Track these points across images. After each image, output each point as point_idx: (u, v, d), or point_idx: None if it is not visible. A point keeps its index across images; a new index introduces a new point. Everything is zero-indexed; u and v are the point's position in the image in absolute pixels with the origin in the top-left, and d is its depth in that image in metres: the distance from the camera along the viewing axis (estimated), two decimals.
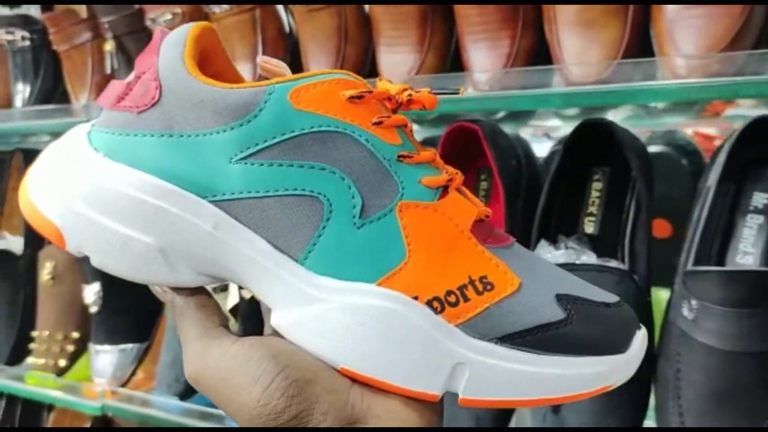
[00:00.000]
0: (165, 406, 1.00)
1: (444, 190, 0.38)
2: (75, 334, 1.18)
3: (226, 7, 0.96)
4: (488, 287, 0.37)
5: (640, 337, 0.39)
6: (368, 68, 0.93)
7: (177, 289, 0.40)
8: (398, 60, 0.87)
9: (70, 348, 1.18)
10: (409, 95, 0.40)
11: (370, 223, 0.37)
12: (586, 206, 0.78)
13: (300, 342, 0.37)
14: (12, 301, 1.25)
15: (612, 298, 0.40)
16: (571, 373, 0.37)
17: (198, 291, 0.40)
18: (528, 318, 0.37)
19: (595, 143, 0.76)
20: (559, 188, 0.76)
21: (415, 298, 0.36)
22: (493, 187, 0.84)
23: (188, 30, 0.40)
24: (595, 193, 0.78)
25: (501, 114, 1.04)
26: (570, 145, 0.73)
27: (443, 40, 0.87)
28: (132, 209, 0.38)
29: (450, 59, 0.88)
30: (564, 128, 1.08)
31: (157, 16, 1.03)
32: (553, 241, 0.73)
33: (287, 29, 1.01)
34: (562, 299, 0.38)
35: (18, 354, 1.25)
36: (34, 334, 1.21)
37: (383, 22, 0.87)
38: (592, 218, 0.77)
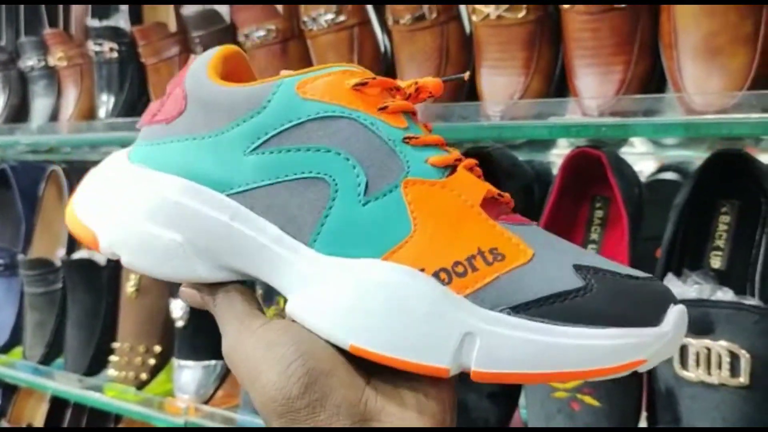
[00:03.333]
0: (250, 425, 0.99)
1: (452, 169, 0.39)
2: (157, 348, 1.18)
3: (323, 24, 0.95)
4: (498, 257, 0.36)
5: (676, 312, 0.36)
6: (467, 90, 0.91)
7: (212, 287, 0.42)
8: (502, 83, 0.85)
9: (152, 361, 1.18)
10: (416, 84, 0.41)
11: (375, 199, 0.38)
12: (713, 240, 0.76)
13: (311, 325, 0.38)
14: (93, 312, 1.25)
15: (641, 273, 0.37)
16: (590, 344, 0.34)
17: (234, 282, 0.42)
18: (541, 286, 0.35)
19: (724, 174, 0.73)
20: (683, 220, 0.74)
21: (422, 270, 0.36)
22: (610, 215, 0.82)
23: (217, 49, 0.44)
24: (722, 227, 0.75)
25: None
26: (701, 176, 0.71)
27: (549, 63, 0.85)
28: (160, 209, 0.40)
29: (555, 84, 0.86)
30: None
31: (251, 31, 1.02)
32: (677, 275, 0.70)
33: (382, 49, 0.99)
34: (581, 269, 0.36)
35: (96, 365, 1.25)
36: (115, 345, 1.21)
37: (488, 44, 0.85)
38: (719, 252, 0.75)
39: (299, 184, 0.39)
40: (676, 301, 0.37)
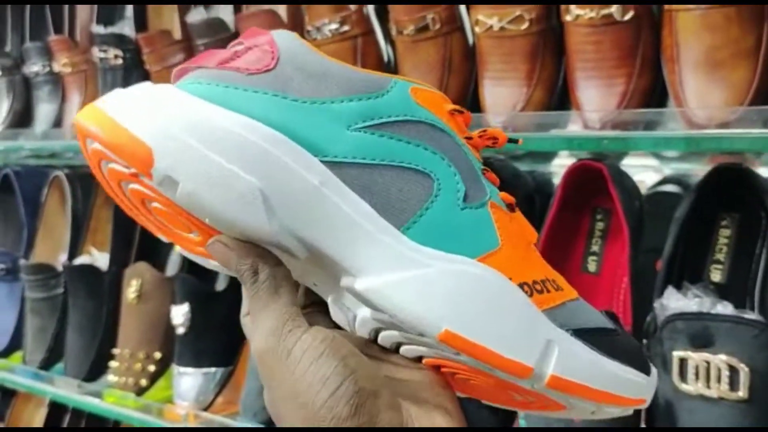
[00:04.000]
0: None
1: (512, 208, 0.43)
2: (157, 354, 1.18)
3: (327, 33, 0.96)
4: (559, 288, 0.41)
5: (655, 371, 0.42)
6: (470, 101, 0.91)
7: (260, 258, 0.40)
8: (504, 94, 0.86)
9: (152, 368, 1.17)
10: (485, 130, 0.44)
11: (470, 208, 0.41)
12: (713, 253, 0.76)
13: (394, 303, 0.38)
14: (94, 317, 1.25)
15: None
16: (625, 377, 0.40)
17: (284, 267, 0.40)
18: (592, 320, 0.41)
19: (725, 188, 0.73)
20: (684, 233, 0.74)
21: (510, 279, 0.39)
22: (611, 227, 0.82)
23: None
24: (722, 240, 0.76)
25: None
26: (701, 189, 0.71)
27: (552, 75, 0.85)
28: (241, 148, 0.38)
29: (557, 95, 0.86)
30: None
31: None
32: (677, 288, 0.70)
33: (386, 59, 1.00)
34: (607, 317, 0.42)
35: (97, 371, 1.25)
36: (115, 351, 1.21)
37: (491, 55, 0.85)
38: (719, 266, 0.75)
39: (405, 172, 0.40)
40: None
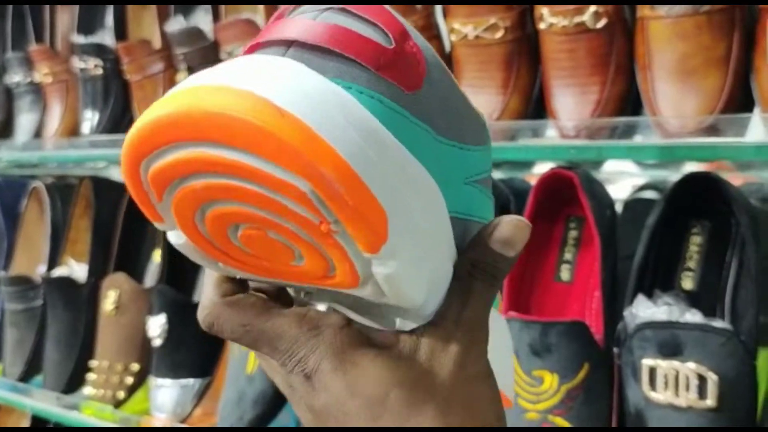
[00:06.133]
0: None
1: None
2: (135, 366, 1.17)
3: None
4: None
5: None
6: None
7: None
8: (480, 102, 0.85)
9: (129, 380, 1.16)
10: None
11: None
12: (684, 261, 0.75)
13: None
14: (72, 329, 1.24)
15: None
16: None
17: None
18: None
19: (696, 196, 0.73)
20: (655, 240, 0.74)
21: None
22: (584, 236, 0.82)
23: None
24: (693, 248, 0.75)
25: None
26: (672, 197, 0.71)
27: (528, 83, 0.85)
28: (446, 217, 0.33)
29: (533, 104, 0.86)
30: None
31: (234, 49, 1.02)
32: (648, 296, 0.70)
33: None
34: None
35: (75, 383, 1.24)
36: (93, 363, 1.20)
37: (467, 63, 0.85)
38: (690, 273, 0.75)
39: (474, 226, 0.35)
40: None
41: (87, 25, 1.30)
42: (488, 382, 0.34)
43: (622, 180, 1.04)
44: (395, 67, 0.30)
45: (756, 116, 0.70)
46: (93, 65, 1.24)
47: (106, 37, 1.27)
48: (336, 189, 0.26)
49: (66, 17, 1.35)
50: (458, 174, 0.34)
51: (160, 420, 1.08)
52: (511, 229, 0.35)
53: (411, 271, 0.30)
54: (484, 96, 0.84)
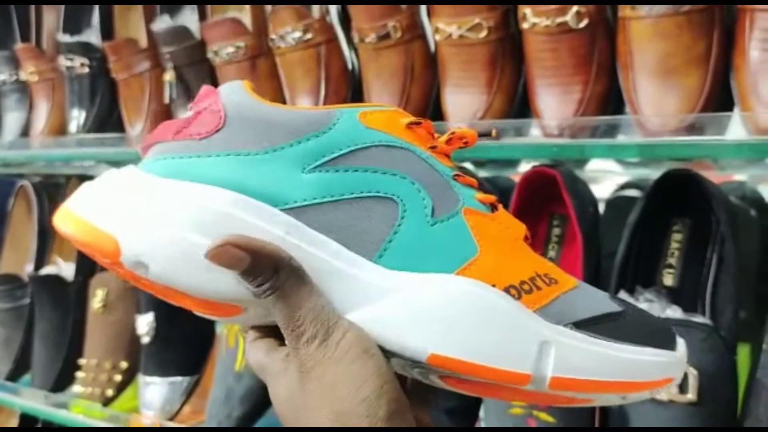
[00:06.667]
0: None
1: (492, 207, 0.42)
2: (123, 364, 1.17)
3: (291, 41, 0.96)
4: (553, 281, 0.40)
5: (683, 343, 0.42)
6: (431, 109, 0.92)
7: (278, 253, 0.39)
8: (465, 101, 0.86)
9: (118, 378, 1.17)
10: (453, 132, 0.44)
11: (441, 221, 0.40)
12: (665, 257, 0.77)
13: (382, 337, 0.38)
14: (60, 328, 1.25)
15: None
16: (641, 359, 0.39)
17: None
18: (594, 307, 0.40)
19: (676, 193, 0.74)
20: (636, 237, 0.75)
21: (493, 285, 0.39)
22: (567, 233, 0.83)
23: (242, 81, 0.44)
24: (674, 245, 0.76)
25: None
26: (652, 195, 0.72)
27: (511, 82, 0.86)
28: (200, 217, 0.38)
29: (517, 102, 0.87)
30: None
31: (220, 48, 1.03)
32: (630, 292, 0.71)
33: (350, 66, 1.00)
34: (614, 299, 0.41)
35: (63, 381, 1.25)
36: (82, 362, 1.20)
37: (451, 63, 0.86)
38: (671, 270, 0.76)
39: (366, 202, 0.40)
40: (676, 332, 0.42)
41: (73, 24, 1.30)
42: (348, 366, 0.37)
43: (606, 179, 1.06)
44: (191, 127, 0.41)
45: (736, 115, 0.71)
46: (79, 64, 1.24)
47: (92, 36, 1.27)
48: (80, 242, 0.39)
49: (52, 16, 1.34)
50: (288, 169, 0.40)
51: (148, 417, 1.09)
52: (217, 251, 0.38)
53: (171, 266, 0.38)
54: (469, 95, 0.85)
